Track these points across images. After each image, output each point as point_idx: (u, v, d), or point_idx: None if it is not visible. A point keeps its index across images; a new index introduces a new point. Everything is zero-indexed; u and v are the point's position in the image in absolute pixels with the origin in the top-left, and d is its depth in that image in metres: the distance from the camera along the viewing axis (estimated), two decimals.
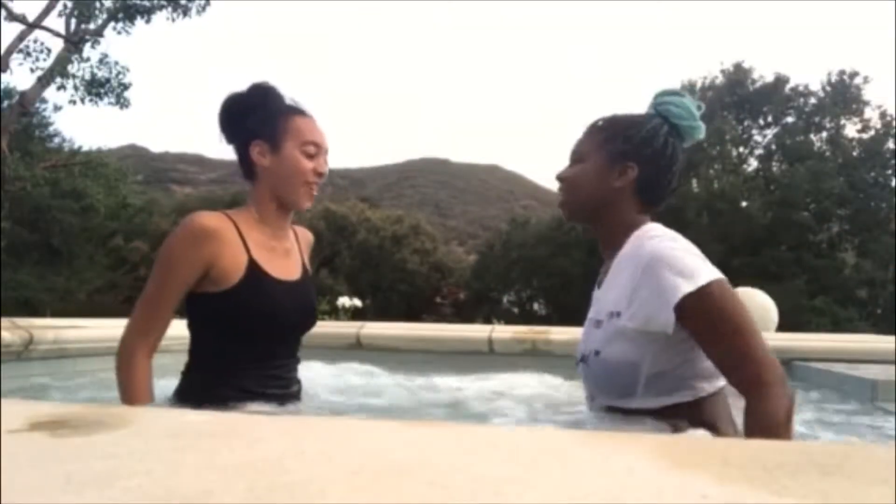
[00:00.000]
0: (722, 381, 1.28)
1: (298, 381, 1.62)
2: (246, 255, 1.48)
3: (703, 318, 1.18)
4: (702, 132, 1.41)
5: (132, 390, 1.41)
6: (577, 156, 1.41)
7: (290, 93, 1.60)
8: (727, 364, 1.19)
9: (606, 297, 1.35)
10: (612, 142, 1.36)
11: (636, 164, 1.35)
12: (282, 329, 1.55)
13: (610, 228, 1.38)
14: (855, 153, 23.46)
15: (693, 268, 1.20)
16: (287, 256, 1.59)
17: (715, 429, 1.25)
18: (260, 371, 1.51)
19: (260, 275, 1.49)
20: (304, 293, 1.60)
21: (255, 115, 1.54)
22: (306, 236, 1.74)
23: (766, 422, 1.10)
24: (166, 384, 1.53)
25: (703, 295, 1.17)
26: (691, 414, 1.25)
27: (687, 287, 1.17)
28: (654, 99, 1.43)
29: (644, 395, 1.27)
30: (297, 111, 1.56)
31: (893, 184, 22.63)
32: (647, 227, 1.35)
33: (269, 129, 1.52)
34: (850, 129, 24.08)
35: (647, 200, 1.38)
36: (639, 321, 1.24)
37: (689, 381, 1.27)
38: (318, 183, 1.55)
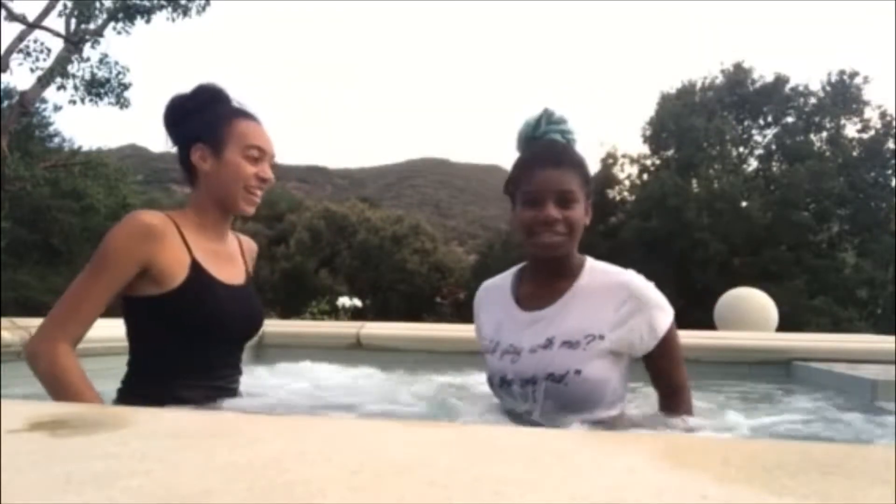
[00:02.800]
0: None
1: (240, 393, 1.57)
2: (188, 256, 1.43)
3: (668, 343, 1.44)
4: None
5: (70, 383, 1.30)
6: (571, 195, 1.41)
7: (250, 95, 1.57)
8: (671, 375, 1.48)
9: (571, 320, 1.43)
10: (587, 179, 1.47)
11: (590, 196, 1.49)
12: (227, 334, 1.51)
13: (571, 260, 1.48)
14: (855, 153, 23.43)
15: (667, 304, 1.46)
16: (231, 262, 1.55)
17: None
18: (205, 381, 1.46)
19: (204, 276, 1.44)
20: (249, 299, 1.57)
21: (198, 118, 1.50)
22: (250, 245, 1.70)
23: (687, 410, 1.47)
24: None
25: (672, 327, 1.45)
26: (623, 421, 1.46)
27: (668, 322, 1.44)
28: (551, 126, 1.51)
29: (606, 407, 1.43)
30: (242, 114, 1.52)
31: (893, 184, 22.61)
32: (590, 258, 1.51)
33: (212, 132, 1.48)
34: (850, 129, 24.07)
35: None
36: (623, 345, 1.42)
37: (624, 394, 1.50)
38: (262, 188, 1.51)
